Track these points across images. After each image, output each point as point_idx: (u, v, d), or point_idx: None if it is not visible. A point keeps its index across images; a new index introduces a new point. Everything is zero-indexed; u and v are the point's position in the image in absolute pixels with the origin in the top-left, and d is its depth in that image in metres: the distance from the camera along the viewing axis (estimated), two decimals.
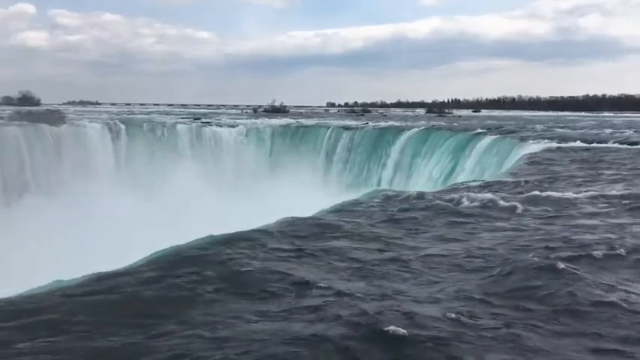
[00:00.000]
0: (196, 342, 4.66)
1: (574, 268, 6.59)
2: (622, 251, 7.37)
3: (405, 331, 4.74)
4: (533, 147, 23.10)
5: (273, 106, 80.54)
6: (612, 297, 5.72)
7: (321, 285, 6.12)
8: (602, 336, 4.88)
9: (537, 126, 38.49)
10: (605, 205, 10.53)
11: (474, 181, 15.12)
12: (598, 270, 6.66)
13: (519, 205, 10.50)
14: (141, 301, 5.56)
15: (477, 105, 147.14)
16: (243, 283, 6.12)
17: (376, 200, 11.34)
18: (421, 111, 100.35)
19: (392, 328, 4.83)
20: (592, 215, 9.73)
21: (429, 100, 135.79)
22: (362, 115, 76.25)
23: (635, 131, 31.50)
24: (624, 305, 5.50)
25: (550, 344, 4.71)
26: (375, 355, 4.45)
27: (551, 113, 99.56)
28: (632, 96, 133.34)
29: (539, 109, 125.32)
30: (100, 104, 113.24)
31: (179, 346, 4.58)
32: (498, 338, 4.79)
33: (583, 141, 24.64)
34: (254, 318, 5.20)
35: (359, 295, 5.79)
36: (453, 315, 5.18)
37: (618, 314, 5.30)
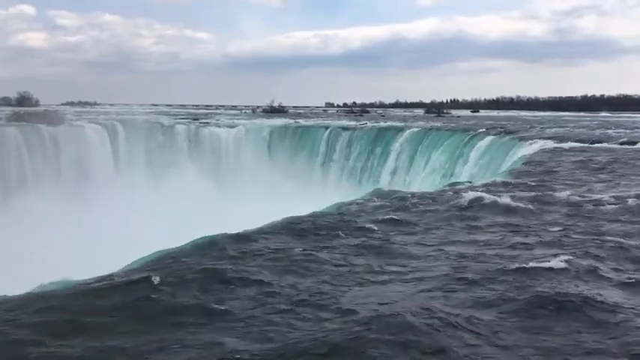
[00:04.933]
0: (200, 342, 4.66)
1: (572, 268, 6.60)
2: (619, 251, 7.38)
3: (392, 336, 4.74)
4: (532, 147, 23.10)
5: (272, 106, 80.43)
6: (608, 298, 5.73)
7: (318, 284, 6.12)
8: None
9: (536, 126, 38.51)
10: (605, 205, 10.54)
11: (472, 181, 15.14)
12: (595, 270, 6.67)
13: (518, 205, 10.50)
14: (141, 301, 5.56)
15: (475, 105, 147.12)
16: (242, 283, 6.12)
17: (374, 200, 11.34)
18: (420, 111, 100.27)
19: (383, 327, 4.84)
20: (591, 215, 9.74)
21: (428, 101, 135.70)
22: (360, 115, 76.05)
23: (632, 131, 31.52)
24: (619, 306, 5.51)
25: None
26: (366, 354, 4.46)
27: (549, 113, 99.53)
28: (630, 96, 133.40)
29: (537, 110, 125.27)
30: (98, 104, 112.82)
31: (183, 345, 4.58)
32: (491, 342, 4.80)
33: (581, 141, 24.64)
34: (254, 316, 5.20)
35: (358, 294, 5.79)
36: (450, 318, 5.19)
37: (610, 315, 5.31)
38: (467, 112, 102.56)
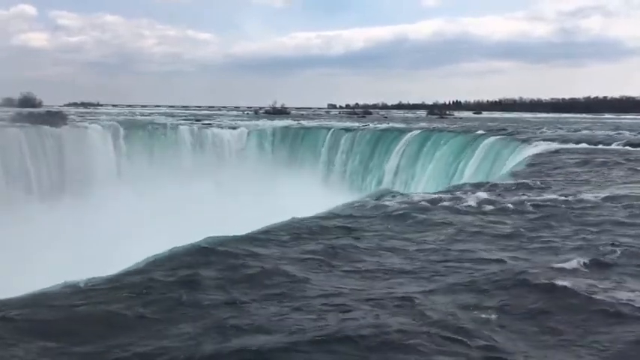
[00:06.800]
0: (204, 343, 4.64)
1: (574, 272, 6.58)
2: (619, 256, 7.32)
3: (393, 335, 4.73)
4: (535, 148, 23.04)
5: (274, 107, 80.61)
6: (608, 301, 5.71)
7: (321, 286, 6.11)
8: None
9: (538, 127, 38.48)
10: (606, 206, 10.50)
11: (474, 182, 15.11)
12: (595, 273, 6.64)
13: (520, 207, 10.48)
14: (143, 303, 5.55)
15: (477, 107, 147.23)
16: (243, 285, 6.11)
17: (377, 201, 11.32)
18: (422, 113, 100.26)
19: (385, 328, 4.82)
20: (593, 217, 9.71)
21: (431, 102, 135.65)
22: (363, 116, 76.05)
23: (634, 133, 31.45)
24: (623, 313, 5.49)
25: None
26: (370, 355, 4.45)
27: (552, 115, 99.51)
28: (633, 98, 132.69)
29: (540, 111, 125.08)
30: (101, 105, 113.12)
31: (189, 346, 4.57)
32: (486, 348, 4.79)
33: (584, 142, 24.60)
34: (256, 319, 5.19)
35: (360, 296, 5.78)
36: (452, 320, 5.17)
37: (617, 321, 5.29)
38: (469, 114, 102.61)
